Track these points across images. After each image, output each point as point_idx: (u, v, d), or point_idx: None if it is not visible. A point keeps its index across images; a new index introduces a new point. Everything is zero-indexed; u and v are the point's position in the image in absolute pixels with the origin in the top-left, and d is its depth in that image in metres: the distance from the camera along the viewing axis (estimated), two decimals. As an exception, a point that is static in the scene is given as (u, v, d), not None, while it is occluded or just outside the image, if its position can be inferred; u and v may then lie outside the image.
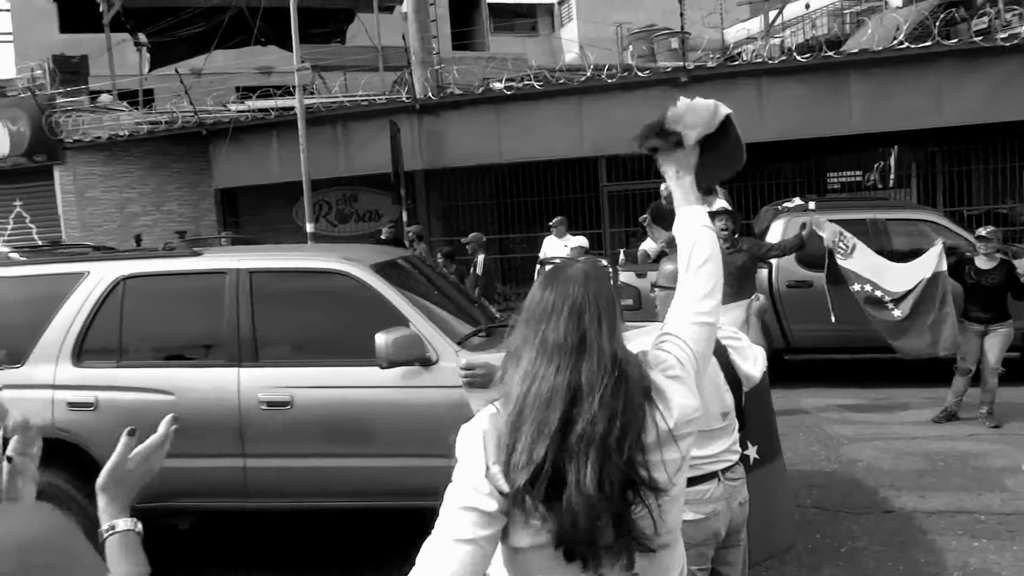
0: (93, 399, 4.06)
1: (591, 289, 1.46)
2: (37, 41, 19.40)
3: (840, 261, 7.02)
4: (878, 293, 6.87)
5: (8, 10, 20.68)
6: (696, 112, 1.75)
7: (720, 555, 2.77)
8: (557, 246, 9.64)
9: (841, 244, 7.01)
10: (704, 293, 1.64)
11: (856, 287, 6.96)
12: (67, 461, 3.94)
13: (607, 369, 1.40)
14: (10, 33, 20.93)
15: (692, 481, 2.65)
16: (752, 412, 3.01)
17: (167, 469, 4.51)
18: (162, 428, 1.34)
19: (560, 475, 1.33)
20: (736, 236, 6.69)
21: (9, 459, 1.23)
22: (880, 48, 10.80)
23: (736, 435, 2.81)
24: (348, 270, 4.12)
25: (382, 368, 3.78)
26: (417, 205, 12.97)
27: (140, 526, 1.23)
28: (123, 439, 1.27)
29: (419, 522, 4.86)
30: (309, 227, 12.13)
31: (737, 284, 5.93)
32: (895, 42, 10.70)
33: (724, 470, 2.71)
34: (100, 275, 4.25)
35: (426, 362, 3.83)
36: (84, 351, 4.17)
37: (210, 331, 4.18)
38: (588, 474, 1.32)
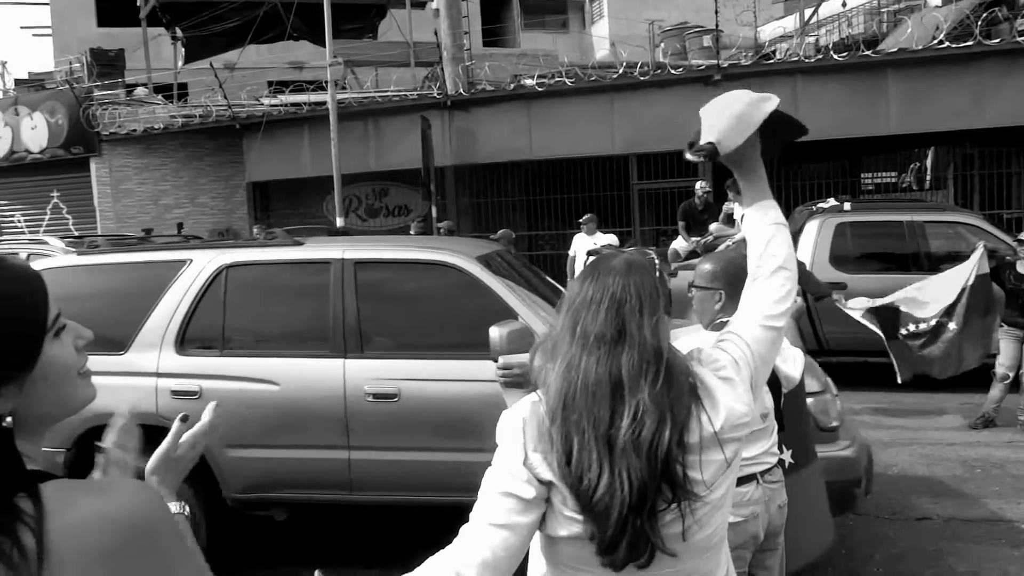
0: (197, 388, 4.03)
1: (632, 280, 1.43)
2: (76, 35, 19.72)
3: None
4: (919, 325, 6.52)
5: (48, 4, 21.04)
6: (723, 116, 1.62)
7: (758, 559, 2.74)
8: (587, 243, 9.61)
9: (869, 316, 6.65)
10: (778, 296, 1.59)
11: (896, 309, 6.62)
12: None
13: (650, 363, 1.37)
14: (49, 27, 21.30)
15: (730, 483, 2.63)
16: (787, 416, 2.97)
17: (272, 459, 4.16)
18: (207, 416, 1.35)
19: (598, 468, 1.32)
20: None
21: (99, 449, 1.26)
22: (920, 47, 10.62)
23: (775, 437, 2.78)
24: (456, 262, 4.07)
25: (496, 362, 3.73)
26: (446, 201, 12.99)
27: (188, 510, 1.26)
28: (176, 425, 1.30)
29: None
30: (339, 221, 12.20)
31: None
32: (935, 42, 10.51)
33: (763, 472, 2.68)
34: (203, 263, 4.23)
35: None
36: (187, 339, 4.14)
37: (314, 321, 4.13)
38: (626, 469, 1.31)
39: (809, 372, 4.02)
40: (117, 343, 4.14)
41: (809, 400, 3.75)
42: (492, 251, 4.68)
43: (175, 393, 4.03)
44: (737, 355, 1.52)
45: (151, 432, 4.38)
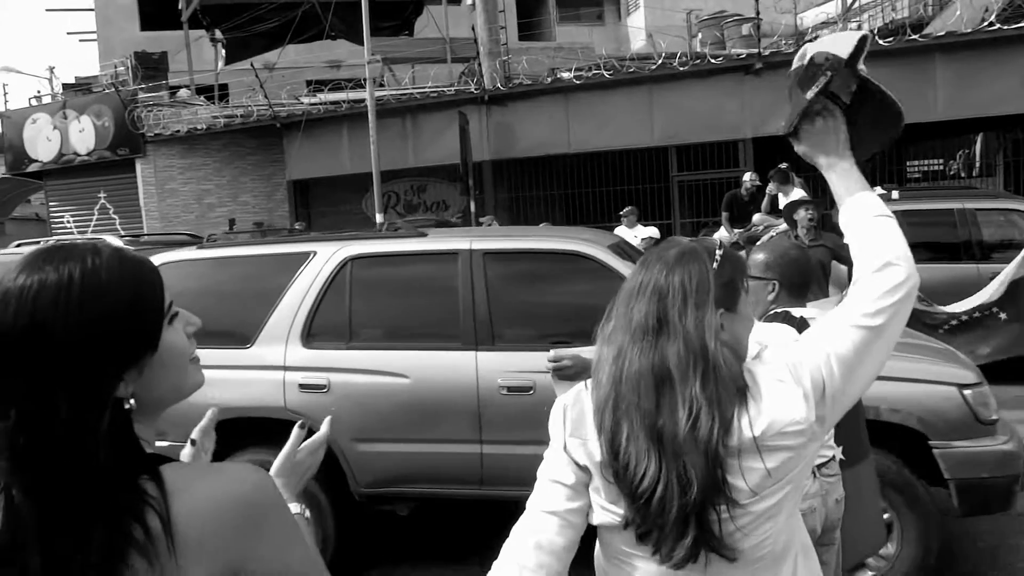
0: (325, 381, 3.97)
1: (679, 270, 1.39)
2: (120, 39, 20.15)
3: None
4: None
5: (93, 10, 21.52)
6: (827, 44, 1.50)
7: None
8: (627, 236, 9.55)
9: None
10: (882, 291, 1.38)
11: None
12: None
13: (696, 357, 1.33)
14: (95, 32, 21.78)
15: (786, 477, 2.58)
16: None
17: (402, 454, 4.16)
18: (325, 428, 1.44)
19: (646, 458, 1.32)
20: (817, 228, 6.48)
21: (193, 442, 1.33)
22: (969, 30, 10.33)
23: (832, 431, 2.72)
24: (590, 252, 3.98)
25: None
26: (484, 196, 13.01)
27: (308, 512, 1.32)
28: (295, 431, 1.38)
29: None
30: (379, 218, 12.28)
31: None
32: (985, 24, 10.21)
33: (820, 466, 2.63)
34: (327, 255, 4.16)
35: None
36: (313, 332, 4.07)
37: (443, 313, 4.05)
38: (678, 464, 1.30)
39: (963, 364, 3.87)
40: (242, 336, 4.12)
41: (967, 392, 3.59)
42: (616, 241, 4.61)
43: (303, 387, 3.98)
44: (799, 359, 1.38)
45: (278, 426, 4.36)
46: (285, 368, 4.02)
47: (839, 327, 1.38)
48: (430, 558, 4.39)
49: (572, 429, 1.42)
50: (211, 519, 0.92)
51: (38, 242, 9.13)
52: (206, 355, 4.24)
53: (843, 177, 1.51)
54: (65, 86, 19.89)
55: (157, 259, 4.42)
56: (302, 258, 4.19)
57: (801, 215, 6.26)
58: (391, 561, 4.37)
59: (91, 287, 0.94)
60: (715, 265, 1.40)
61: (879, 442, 3.34)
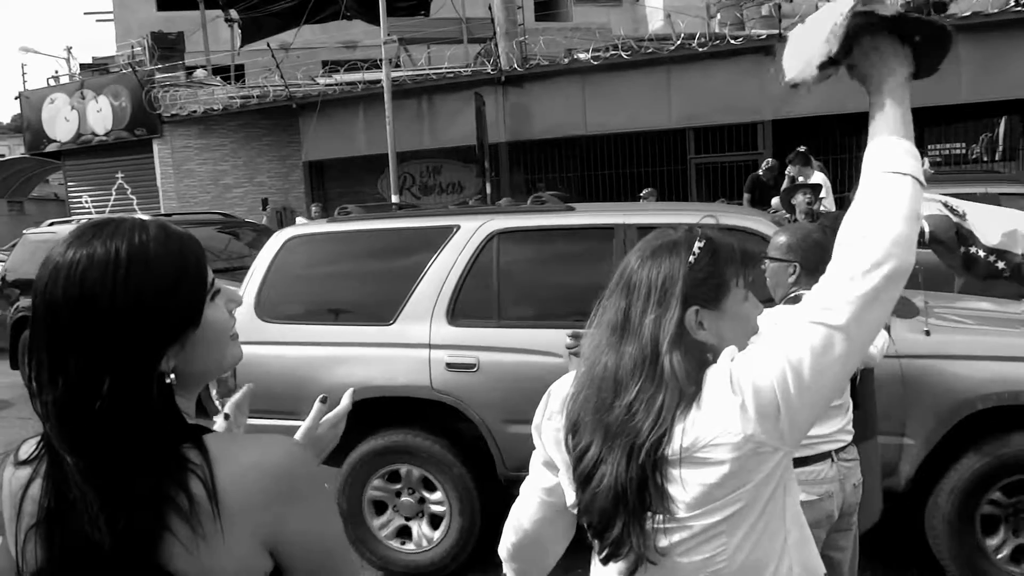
0: (474, 360, 3.77)
1: (650, 264, 1.32)
2: (137, 19, 20.17)
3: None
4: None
5: (110, -11, 21.53)
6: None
7: (831, 539, 2.69)
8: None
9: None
10: (847, 279, 1.15)
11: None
12: (443, 426, 3.83)
13: (646, 358, 1.28)
14: (111, 12, 21.80)
15: (805, 461, 2.57)
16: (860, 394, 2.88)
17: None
18: (346, 400, 1.45)
19: (597, 452, 1.30)
20: (820, 211, 6.42)
21: (227, 416, 1.35)
22: (995, 11, 10.13)
23: (850, 415, 2.71)
24: (757, 228, 3.78)
25: None
26: (500, 178, 12.96)
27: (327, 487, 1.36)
28: (317, 405, 1.39)
29: None
30: (394, 199, 12.27)
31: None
32: (1012, 4, 10.01)
33: (838, 450, 2.62)
34: (471, 229, 3.96)
35: None
36: (458, 309, 3.88)
37: (597, 290, 3.88)
38: (611, 465, 1.28)
39: None
40: (383, 313, 3.95)
41: None
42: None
43: (450, 366, 3.80)
44: (746, 365, 1.23)
45: (422, 406, 4.28)
46: (430, 346, 3.83)
47: (799, 325, 1.19)
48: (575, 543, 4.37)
49: (550, 412, 1.43)
50: (253, 486, 0.95)
51: (69, 222, 9.19)
52: (346, 332, 4.24)
53: (878, 113, 1.23)
54: (82, 66, 19.95)
55: (288, 231, 4.37)
56: (445, 232, 4.00)
57: (799, 199, 6.21)
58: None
59: (138, 262, 0.95)
60: (691, 259, 1.30)
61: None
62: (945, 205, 6.19)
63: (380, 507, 4.03)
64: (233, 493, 0.94)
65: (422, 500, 3.98)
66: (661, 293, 1.29)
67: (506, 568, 1.60)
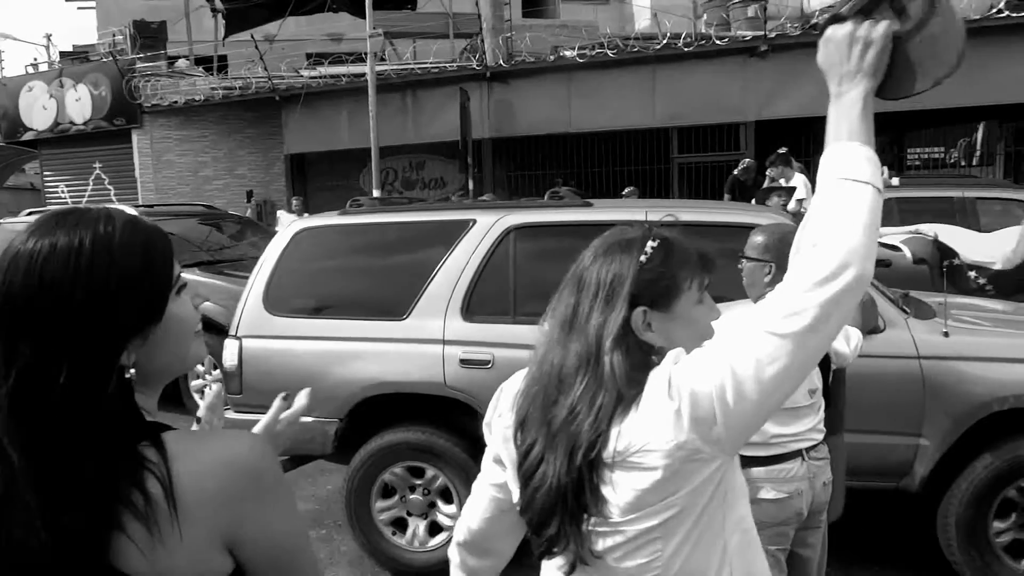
0: (489, 356, 3.69)
1: (602, 261, 1.30)
2: (119, 7, 19.89)
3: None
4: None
5: (91, -24, 21.26)
6: None
7: (800, 537, 2.70)
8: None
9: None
10: (802, 289, 1.11)
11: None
12: (455, 424, 3.77)
13: (590, 357, 1.26)
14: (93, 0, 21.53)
15: (776, 459, 2.58)
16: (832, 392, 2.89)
17: None
18: (303, 399, 1.44)
19: (540, 449, 1.29)
20: (801, 212, 6.45)
21: (198, 419, 1.35)
22: (976, 17, 10.23)
23: (821, 414, 2.72)
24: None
25: None
26: (484, 174, 12.93)
27: None
28: (277, 402, 1.39)
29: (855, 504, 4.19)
30: (376, 193, 12.21)
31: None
32: (992, 11, 10.11)
33: (808, 449, 2.63)
34: (488, 224, 3.90)
35: (875, 330, 3.50)
36: (474, 305, 3.80)
37: None
38: (552, 465, 1.26)
39: None
40: (396, 308, 3.88)
41: None
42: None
43: (465, 362, 3.71)
44: (687, 371, 1.19)
45: (435, 403, 4.22)
46: (444, 342, 3.75)
47: (749, 333, 1.14)
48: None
49: (500, 410, 1.41)
50: (212, 483, 0.93)
51: (46, 211, 9.06)
52: (357, 326, 4.11)
53: (841, 113, 1.18)
54: (62, 54, 19.69)
55: (298, 224, 4.29)
56: (461, 226, 3.93)
57: (774, 202, 6.26)
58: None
59: (102, 253, 0.94)
60: (643, 258, 1.28)
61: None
62: (916, 232, 6.27)
63: (389, 491, 3.92)
64: (192, 491, 0.91)
65: (432, 505, 3.90)
66: (609, 291, 1.27)
67: (454, 570, 1.58)
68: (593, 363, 1.26)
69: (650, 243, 1.29)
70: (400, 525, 3.95)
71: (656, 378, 1.22)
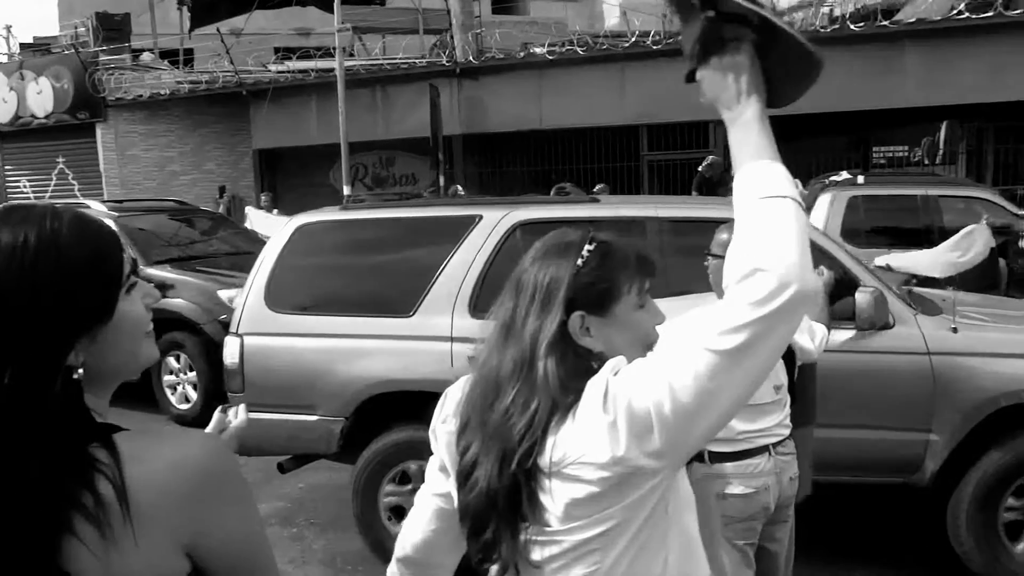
0: None
1: (540, 265, 1.28)
2: (81, -2, 19.52)
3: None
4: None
5: (52, -33, 20.81)
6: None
7: (767, 531, 2.73)
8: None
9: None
10: (740, 307, 1.08)
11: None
12: None
13: (524, 361, 1.24)
14: (54, -10, 21.07)
15: (743, 454, 2.61)
16: (799, 387, 2.93)
17: None
18: (242, 415, 1.42)
19: (476, 451, 1.27)
20: None
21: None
22: (938, 18, 10.42)
23: (787, 410, 2.75)
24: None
25: (860, 330, 3.52)
26: (454, 170, 12.90)
27: None
28: (217, 415, 1.38)
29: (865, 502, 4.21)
30: (346, 190, 12.13)
31: None
32: (954, 12, 10.31)
33: (775, 444, 2.66)
34: (494, 220, 3.85)
35: (885, 326, 3.51)
36: (481, 301, 3.71)
37: None
38: (486, 468, 1.24)
39: None
40: (402, 304, 3.82)
41: None
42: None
43: (473, 359, 3.65)
44: (624, 383, 1.16)
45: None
46: (452, 339, 3.69)
47: (689, 348, 1.11)
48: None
49: (444, 415, 1.39)
50: (168, 486, 0.91)
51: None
52: (363, 323, 4.06)
53: (741, 136, 1.15)
54: (23, 46, 19.24)
55: (300, 219, 4.19)
56: (467, 222, 3.88)
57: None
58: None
59: (47, 250, 0.91)
60: (579, 261, 1.25)
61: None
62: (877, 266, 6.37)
63: (404, 479, 3.86)
64: (146, 493, 0.89)
65: None
66: (545, 295, 1.25)
67: None
68: (527, 368, 1.23)
69: (587, 247, 1.27)
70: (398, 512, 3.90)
71: (593, 387, 1.18)
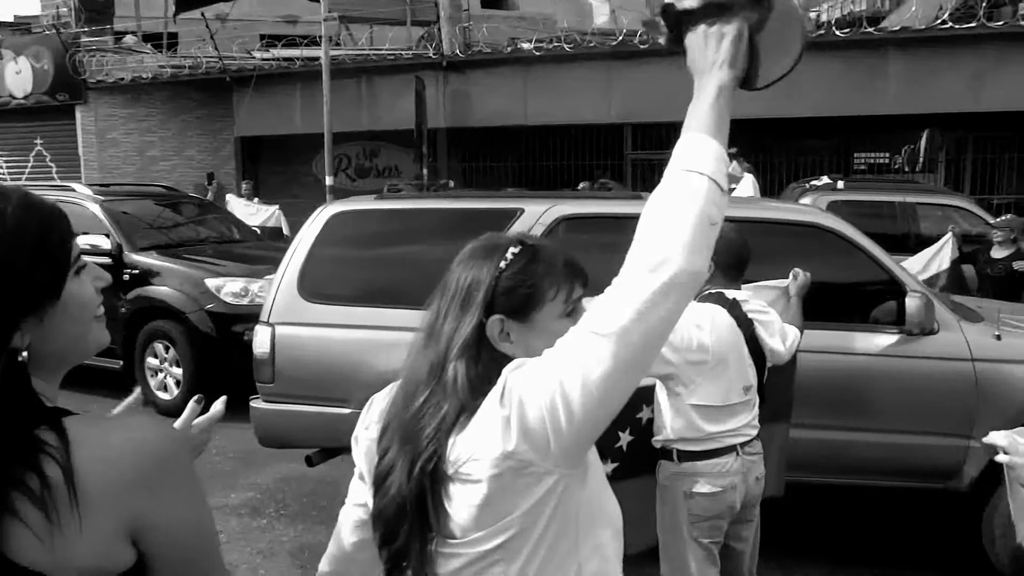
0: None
1: (464, 267, 1.26)
2: (63, -22, 19.22)
3: None
4: None
5: (35, -55, 20.49)
6: None
7: (733, 530, 2.76)
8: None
9: None
10: (627, 286, 1.06)
11: None
12: None
13: (439, 364, 1.22)
14: (37, -31, 20.76)
15: (711, 454, 2.63)
16: (773, 386, 2.95)
17: None
18: (220, 406, 1.42)
19: (393, 456, 1.24)
20: None
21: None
22: (923, 27, 10.51)
23: (756, 411, 2.78)
24: (830, 224, 3.77)
25: (910, 335, 3.55)
26: (438, 164, 12.86)
27: None
28: (191, 405, 1.36)
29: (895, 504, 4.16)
30: (328, 180, 12.04)
31: None
32: (938, 21, 10.40)
33: (743, 444, 2.69)
34: (536, 214, 3.85)
35: (930, 332, 3.52)
36: None
37: None
38: (398, 473, 1.21)
39: None
40: (424, 296, 3.78)
41: None
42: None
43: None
44: (521, 377, 1.13)
45: None
46: None
47: (576, 336, 1.09)
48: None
49: (368, 422, 1.36)
50: (116, 469, 0.90)
51: None
52: (398, 315, 3.84)
53: (696, 106, 1.14)
54: (2, 24, 18.95)
55: (334, 207, 4.13)
56: (507, 215, 3.85)
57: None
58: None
59: None
60: (502, 264, 1.22)
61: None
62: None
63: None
64: (94, 477, 0.88)
65: None
66: (465, 297, 1.23)
67: None
68: (439, 370, 1.21)
69: (511, 249, 1.23)
70: None
71: (496, 385, 1.15)
